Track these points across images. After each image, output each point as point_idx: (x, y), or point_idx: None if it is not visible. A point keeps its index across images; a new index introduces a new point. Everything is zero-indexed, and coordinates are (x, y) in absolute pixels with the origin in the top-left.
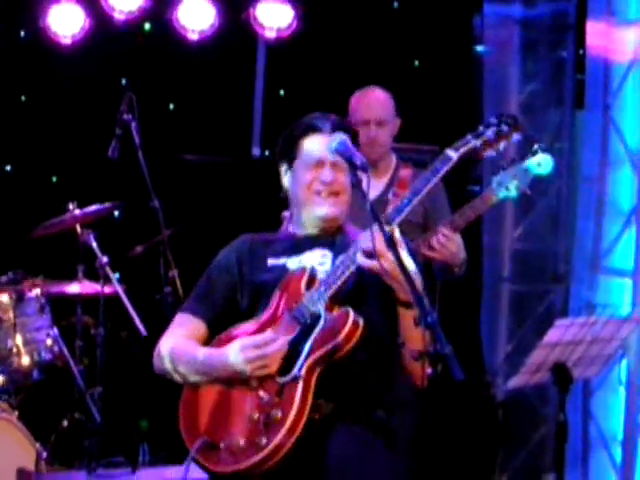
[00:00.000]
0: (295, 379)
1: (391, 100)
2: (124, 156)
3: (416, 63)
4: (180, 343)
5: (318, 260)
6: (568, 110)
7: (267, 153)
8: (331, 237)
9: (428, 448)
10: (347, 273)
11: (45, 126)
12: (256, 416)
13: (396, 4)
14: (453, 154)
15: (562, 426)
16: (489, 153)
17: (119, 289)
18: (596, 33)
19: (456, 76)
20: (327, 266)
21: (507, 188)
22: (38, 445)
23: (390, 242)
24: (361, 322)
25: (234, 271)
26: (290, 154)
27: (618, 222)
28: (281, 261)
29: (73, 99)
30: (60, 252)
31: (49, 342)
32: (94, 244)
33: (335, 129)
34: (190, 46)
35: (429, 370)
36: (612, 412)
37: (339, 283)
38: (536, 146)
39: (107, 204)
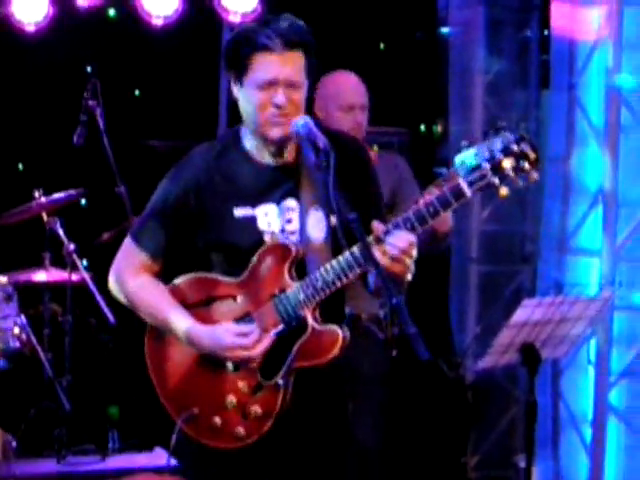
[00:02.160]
0: (277, 386)
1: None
2: (90, 143)
3: (381, 46)
4: (146, 290)
5: (285, 216)
6: (534, 90)
7: None
8: (293, 170)
9: (397, 429)
10: (339, 284)
11: (10, 114)
12: (232, 401)
13: None
14: (467, 190)
15: (531, 407)
16: (504, 192)
17: (86, 276)
18: (560, 13)
19: (422, 58)
20: (295, 224)
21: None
22: (7, 434)
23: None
24: (348, 337)
25: (191, 203)
26: (238, 68)
27: (584, 202)
28: (249, 212)
29: (38, 86)
30: (26, 240)
31: (16, 330)
32: (60, 231)
33: (289, 47)
34: (155, 32)
35: (394, 351)
36: (581, 392)
37: (328, 292)
38: (498, 124)
39: (73, 191)
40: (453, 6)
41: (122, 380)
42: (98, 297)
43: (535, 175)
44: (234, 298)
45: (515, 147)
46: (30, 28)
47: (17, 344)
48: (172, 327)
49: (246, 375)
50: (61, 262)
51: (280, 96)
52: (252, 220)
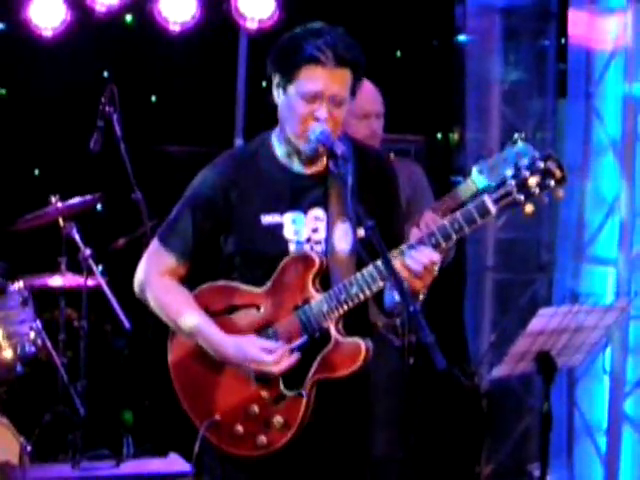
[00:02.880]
0: (299, 396)
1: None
2: (106, 148)
3: (398, 54)
4: (169, 293)
5: (312, 225)
6: (550, 99)
7: None
8: (323, 180)
9: (411, 436)
10: (362, 297)
11: (27, 119)
12: (255, 411)
13: None
14: (492, 207)
15: (546, 415)
16: (529, 209)
17: (102, 282)
18: (578, 22)
19: (438, 66)
20: (321, 234)
21: (487, 177)
22: (22, 439)
23: (387, 261)
24: (371, 350)
25: (219, 209)
26: (285, 75)
27: (601, 211)
28: (275, 219)
29: (55, 92)
30: (43, 245)
31: (32, 335)
32: (77, 237)
33: (339, 63)
34: (172, 38)
35: (411, 359)
36: (596, 401)
37: (351, 304)
38: (516, 135)
39: (89, 196)
40: (470, 15)
41: (137, 386)
42: (113, 302)
43: (561, 193)
44: (257, 307)
45: (541, 165)
46: (47, 33)
47: (33, 349)
48: (192, 331)
49: (269, 385)
50: (77, 267)
51: (322, 111)
52: (279, 228)
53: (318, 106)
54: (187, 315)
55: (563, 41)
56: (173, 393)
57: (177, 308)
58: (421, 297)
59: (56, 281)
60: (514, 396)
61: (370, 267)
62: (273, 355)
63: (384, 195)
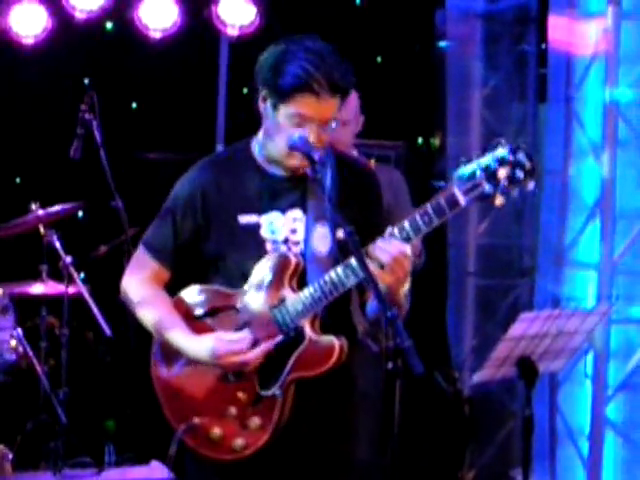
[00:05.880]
0: (274, 396)
1: (355, 98)
2: (86, 156)
3: (379, 59)
4: (152, 303)
5: (290, 226)
6: (531, 104)
7: None
8: (301, 182)
9: (393, 443)
10: (336, 294)
11: (7, 127)
12: (233, 412)
13: (359, 0)
14: (461, 199)
15: (528, 420)
16: (499, 201)
17: (83, 289)
18: (558, 26)
19: (419, 71)
20: (299, 235)
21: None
22: (3, 447)
23: (359, 256)
24: (345, 347)
25: (198, 213)
26: (276, 94)
27: (582, 215)
28: (253, 219)
29: (35, 99)
30: (23, 252)
31: (13, 343)
32: (57, 244)
33: (333, 92)
34: (152, 44)
35: (389, 364)
36: (579, 406)
37: (325, 302)
38: (497, 141)
39: (70, 204)
40: (451, 20)
41: (119, 393)
42: (95, 310)
43: (531, 184)
44: (235, 309)
45: (510, 157)
46: (28, 41)
47: (13, 357)
48: (175, 343)
49: (246, 386)
50: (58, 275)
51: (312, 134)
52: (256, 227)
53: (307, 127)
54: (165, 322)
55: (543, 46)
56: (155, 400)
57: (156, 314)
58: (405, 305)
59: (37, 289)
60: (497, 401)
61: (343, 265)
62: (241, 343)
63: (368, 206)
